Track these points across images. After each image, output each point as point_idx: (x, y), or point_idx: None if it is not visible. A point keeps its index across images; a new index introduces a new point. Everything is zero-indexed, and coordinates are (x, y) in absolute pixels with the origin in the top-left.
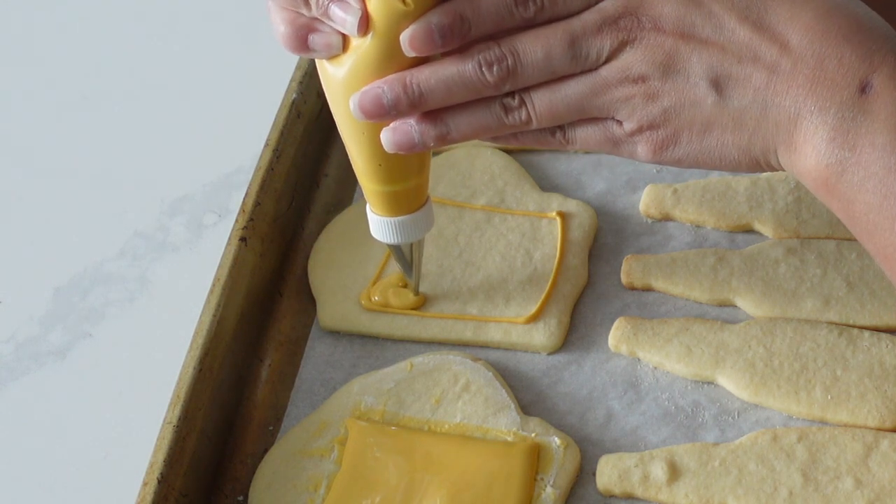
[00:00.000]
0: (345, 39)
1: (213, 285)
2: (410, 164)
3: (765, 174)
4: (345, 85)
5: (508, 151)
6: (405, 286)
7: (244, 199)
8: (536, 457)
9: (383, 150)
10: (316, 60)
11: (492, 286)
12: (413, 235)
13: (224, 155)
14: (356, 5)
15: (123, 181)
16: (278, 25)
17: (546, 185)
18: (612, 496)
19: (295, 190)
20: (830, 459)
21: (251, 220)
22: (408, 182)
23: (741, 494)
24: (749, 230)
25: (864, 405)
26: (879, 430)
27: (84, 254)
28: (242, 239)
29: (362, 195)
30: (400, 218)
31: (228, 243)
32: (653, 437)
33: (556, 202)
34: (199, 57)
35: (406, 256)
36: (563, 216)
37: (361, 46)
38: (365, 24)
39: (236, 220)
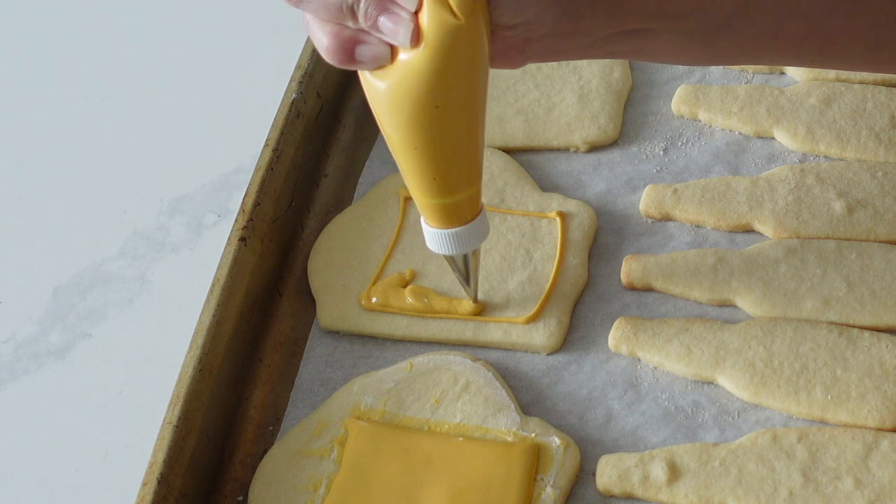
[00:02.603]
0: (391, 50)
1: (213, 285)
2: (463, 175)
3: (764, 174)
4: (392, 97)
5: (508, 151)
6: (405, 286)
7: (244, 199)
8: (536, 457)
9: (437, 163)
10: (359, 72)
11: (491, 286)
12: (470, 245)
13: (224, 155)
14: (407, 17)
15: (123, 181)
16: (321, 38)
17: (546, 185)
18: (612, 496)
19: (294, 190)
20: (830, 459)
21: (251, 220)
22: (462, 193)
23: (741, 494)
24: (749, 230)
25: (864, 405)
26: (879, 430)
27: (84, 254)
28: (242, 239)
29: (362, 195)
30: (456, 229)
31: (228, 243)
32: (653, 438)
33: (556, 202)
34: (200, 57)
35: (461, 266)
36: (563, 216)
37: (412, 59)
38: (417, 35)
39: (236, 221)
